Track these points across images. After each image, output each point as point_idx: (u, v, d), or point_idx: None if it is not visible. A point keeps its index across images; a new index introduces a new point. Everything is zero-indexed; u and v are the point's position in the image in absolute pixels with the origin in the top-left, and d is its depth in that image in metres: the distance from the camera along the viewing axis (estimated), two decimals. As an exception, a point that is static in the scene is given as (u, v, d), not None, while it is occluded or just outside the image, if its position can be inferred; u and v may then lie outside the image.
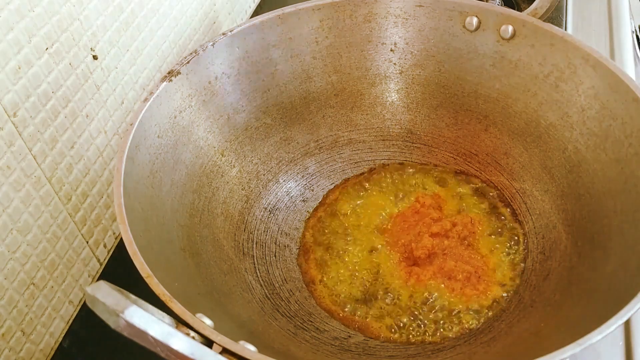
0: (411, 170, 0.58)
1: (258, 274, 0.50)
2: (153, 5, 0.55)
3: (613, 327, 0.32)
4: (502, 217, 0.53)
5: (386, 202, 0.55)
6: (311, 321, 0.47)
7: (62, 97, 0.45)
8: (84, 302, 0.50)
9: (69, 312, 0.50)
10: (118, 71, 0.51)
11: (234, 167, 0.54)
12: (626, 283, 0.38)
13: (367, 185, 0.57)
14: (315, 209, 0.56)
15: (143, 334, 0.28)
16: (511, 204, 0.54)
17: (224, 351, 0.31)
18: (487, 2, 0.58)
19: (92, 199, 0.51)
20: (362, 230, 0.53)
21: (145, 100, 0.45)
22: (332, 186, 0.58)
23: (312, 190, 0.57)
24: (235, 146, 0.54)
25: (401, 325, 0.47)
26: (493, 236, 0.52)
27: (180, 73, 0.48)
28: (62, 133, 0.46)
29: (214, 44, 0.51)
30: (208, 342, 0.31)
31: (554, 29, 0.50)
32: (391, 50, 0.58)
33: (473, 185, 0.56)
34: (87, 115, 0.48)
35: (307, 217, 0.55)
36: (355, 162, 0.59)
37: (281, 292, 0.49)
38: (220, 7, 0.70)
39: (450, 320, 0.47)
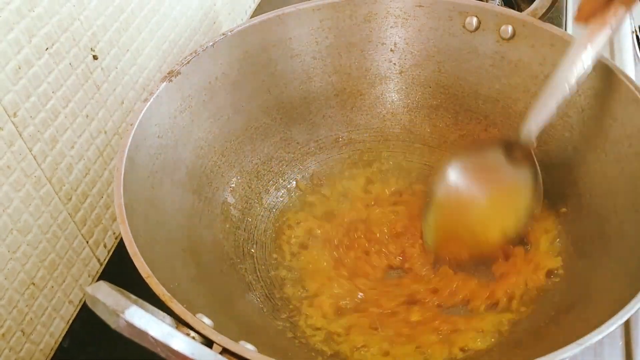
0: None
1: (258, 274, 0.50)
2: (153, 5, 0.55)
3: (613, 327, 0.32)
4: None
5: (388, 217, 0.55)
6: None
7: (62, 97, 0.45)
8: (84, 302, 0.50)
9: (69, 312, 0.50)
10: (118, 71, 0.51)
11: (234, 167, 0.54)
12: (626, 283, 0.38)
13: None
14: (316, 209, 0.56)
15: (143, 334, 0.28)
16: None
17: (224, 351, 0.31)
18: (487, 2, 0.58)
19: (92, 199, 0.51)
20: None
21: (146, 100, 0.45)
22: (332, 186, 0.57)
23: (313, 190, 0.57)
24: (235, 146, 0.54)
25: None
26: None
27: (180, 73, 0.48)
28: (62, 133, 0.46)
29: (214, 44, 0.51)
30: (208, 342, 0.31)
31: (554, 29, 0.50)
32: (391, 50, 0.58)
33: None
34: (87, 116, 0.48)
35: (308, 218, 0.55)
36: (355, 162, 0.59)
37: (281, 292, 0.49)
38: (220, 7, 0.70)
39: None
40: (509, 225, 0.48)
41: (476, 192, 0.50)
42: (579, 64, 0.43)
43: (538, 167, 0.48)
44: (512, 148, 0.48)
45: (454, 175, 0.50)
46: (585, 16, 0.41)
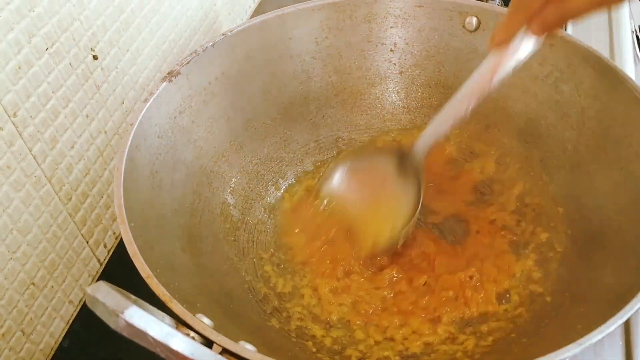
0: None
1: (258, 273, 0.50)
2: (153, 5, 0.55)
3: (613, 327, 0.32)
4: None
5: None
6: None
7: (62, 97, 0.45)
8: (84, 302, 0.50)
9: (69, 312, 0.50)
10: (118, 71, 0.51)
11: (234, 167, 0.54)
12: (626, 283, 0.38)
13: None
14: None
15: (143, 334, 0.28)
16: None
17: (224, 351, 0.31)
18: (487, 2, 0.58)
19: (92, 199, 0.51)
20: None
21: (146, 100, 0.45)
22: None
23: (313, 190, 0.57)
24: (235, 146, 0.54)
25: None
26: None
27: (180, 73, 0.48)
28: (62, 133, 0.46)
29: (214, 44, 0.51)
30: (208, 343, 0.31)
31: (554, 29, 0.50)
32: (391, 50, 0.58)
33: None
34: (87, 115, 0.48)
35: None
36: (355, 162, 0.59)
37: (281, 292, 0.49)
38: (220, 7, 0.70)
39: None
40: (383, 231, 0.49)
41: (358, 195, 0.51)
42: (481, 88, 0.43)
43: (422, 182, 0.48)
44: (404, 159, 0.49)
45: (342, 175, 0.51)
46: (497, 44, 0.42)
